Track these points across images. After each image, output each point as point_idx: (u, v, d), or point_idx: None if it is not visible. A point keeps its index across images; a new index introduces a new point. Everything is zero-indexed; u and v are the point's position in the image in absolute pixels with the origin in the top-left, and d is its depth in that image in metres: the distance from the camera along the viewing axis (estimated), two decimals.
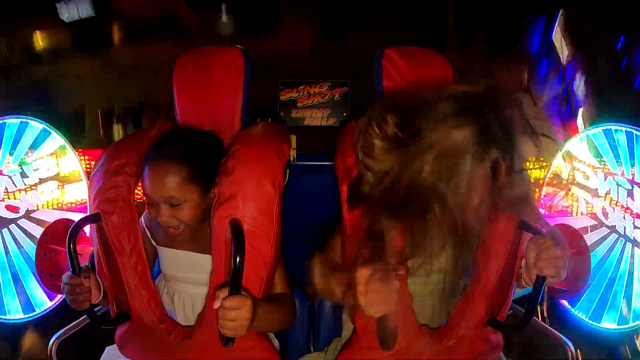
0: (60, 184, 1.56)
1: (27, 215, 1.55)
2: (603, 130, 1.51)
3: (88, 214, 1.15)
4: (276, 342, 1.21)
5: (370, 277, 0.83)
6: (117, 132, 2.91)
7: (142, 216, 1.24)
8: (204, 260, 1.13)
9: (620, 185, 1.48)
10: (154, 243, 1.21)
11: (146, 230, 1.22)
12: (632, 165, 1.48)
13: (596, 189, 1.50)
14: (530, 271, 1.00)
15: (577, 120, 2.53)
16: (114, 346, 1.21)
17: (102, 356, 1.24)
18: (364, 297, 0.83)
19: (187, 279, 1.18)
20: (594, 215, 1.51)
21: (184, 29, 2.76)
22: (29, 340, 1.90)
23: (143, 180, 1.08)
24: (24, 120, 1.55)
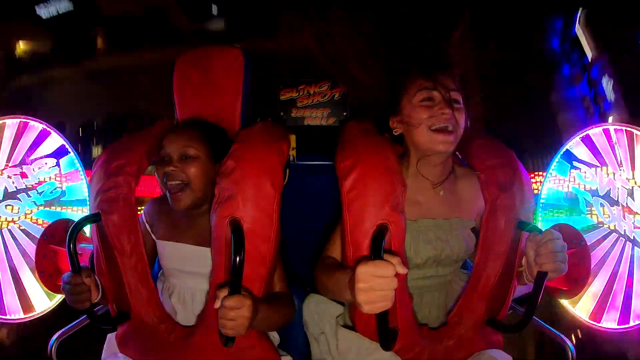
0: (60, 184, 1.57)
1: (27, 215, 1.55)
2: (603, 130, 1.51)
3: (88, 214, 1.15)
4: (277, 337, 1.21)
5: (370, 275, 0.83)
6: (97, 152, 2.78)
7: (143, 213, 1.25)
8: (204, 253, 1.13)
9: (620, 185, 1.48)
10: (154, 237, 1.21)
11: (147, 225, 1.22)
12: (632, 165, 1.48)
13: (596, 189, 1.51)
14: (531, 269, 1.00)
15: (609, 128, 2.11)
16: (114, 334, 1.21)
17: (105, 344, 1.24)
18: (363, 295, 0.84)
19: (187, 272, 1.19)
20: (594, 215, 1.51)
21: (173, 32, 2.68)
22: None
23: (164, 141, 1.16)
24: (24, 120, 1.55)
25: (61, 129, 2.61)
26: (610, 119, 2.45)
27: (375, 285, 0.83)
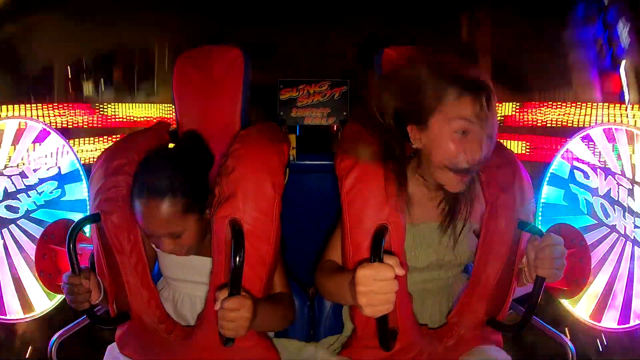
0: (60, 184, 1.56)
1: (27, 215, 1.55)
2: (603, 129, 1.51)
3: (88, 214, 1.15)
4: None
5: (370, 279, 0.82)
6: (87, 88, 2.79)
7: None
8: (204, 263, 1.13)
9: (621, 185, 1.48)
10: (153, 245, 1.21)
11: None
12: (632, 165, 1.48)
13: (596, 189, 1.50)
14: (530, 270, 1.00)
15: (620, 72, 2.20)
16: (115, 344, 1.21)
17: (105, 355, 1.24)
18: (364, 298, 0.83)
19: (187, 281, 1.18)
20: (594, 215, 1.51)
21: None
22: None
23: (136, 215, 1.05)
24: (24, 120, 1.55)
25: (50, 73, 2.54)
26: (623, 63, 2.27)
27: (375, 289, 0.82)
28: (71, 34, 2.67)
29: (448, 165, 1.00)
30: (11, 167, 1.55)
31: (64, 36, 2.65)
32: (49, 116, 1.98)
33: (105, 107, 2.59)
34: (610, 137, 1.50)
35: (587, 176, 1.52)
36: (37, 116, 1.85)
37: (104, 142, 2.36)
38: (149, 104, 2.91)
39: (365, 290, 0.83)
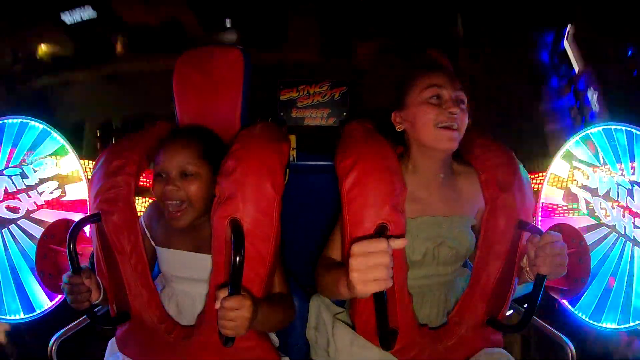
0: (60, 184, 1.56)
1: (27, 215, 1.55)
2: (603, 129, 1.51)
3: (88, 214, 1.15)
4: (276, 340, 1.21)
5: (363, 250, 0.81)
6: None
7: (142, 216, 1.24)
8: (203, 260, 1.13)
9: (620, 185, 1.48)
10: (153, 243, 1.21)
11: (145, 230, 1.22)
12: (632, 165, 1.48)
13: (596, 189, 1.50)
14: (531, 269, 1.00)
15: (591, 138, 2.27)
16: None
17: (108, 347, 1.24)
18: (356, 273, 0.81)
19: (186, 278, 1.18)
20: (594, 215, 1.51)
21: (187, 38, 2.79)
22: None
23: (158, 155, 1.10)
24: (24, 120, 1.55)
25: (80, 129, 2.67)
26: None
27: (369, 262, 0.81)
28: (103, 95, 2.81)
29: (436, 126, 1.09)
30: (11, 167, 1.55)
31: (96, 96, 2.79)
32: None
33: None
34: (610, 137, 1.50)
35: (586, 176, 1.52)
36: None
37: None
38: None
39: (357, 264, 0.81)
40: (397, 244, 0.84)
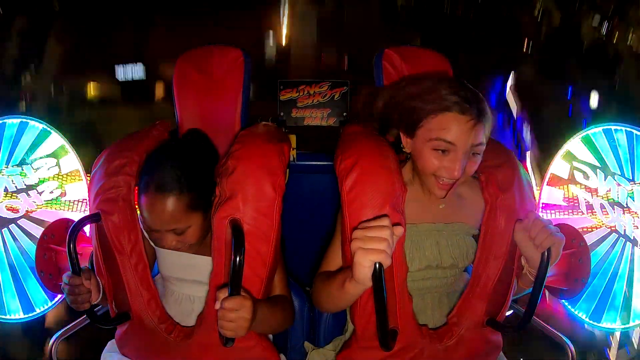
0: (61, 184, 1.56)
1: (27, 215, 1.55)
2: (603, 129, 1.51)
3: (88, 214, 1.15)
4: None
5: (364, 227, 0.85)
6: None
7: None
8: (203, 262, 1.13)
9: (621, 185, 1.48)
10: (152, 244, 1.21)
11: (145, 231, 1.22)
12: (632, 165, 1.48)
13: (596, 189, 1.50)
14: (533, 259, 0.99)
15: (527, 162, 3.38)
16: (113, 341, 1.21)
17: (105, 348, 1.24)
18: (356, 243, 0.84)
19: (186, 280, 1.18)
20: (594, 215, 1.51)
21: None
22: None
23: (141, 210, 1.06)
24: (24, 120, 1.55)
25: None
26: (528, 155, 3.52)
27: (369, 233, 0.84)
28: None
29: (434, 174, 1.04)
30: (11, 167, 1.55)
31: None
32: None
33: None
34: (610, 137, 1.50)
35: (586, 176, 1.52)
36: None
37: None
38: None
39: (358, 234, 0.85)
40: (396, 230, 0.87)
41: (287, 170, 1.10)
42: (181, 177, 1.03)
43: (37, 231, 1.51)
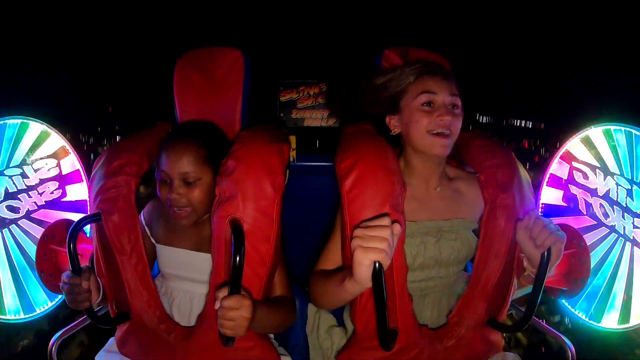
0: (61, 184, 1.56)
1: (28, 215, 1.55)
2: (603, 130, 1.51)
3: (88, 213, 1.15)
4: (274, 342, 1.21)
5: (364, 226, 0.87)
6: None
7: (142, 213, 1.24)
8: (203, 259, 1.13)
9: (620, 185, 1.48)
10: (153, 240, 1.21)
11: (145, 227, 1.22)
12: (632, 165, 1.48)
13: (595, 189, 1.50)
14: (534, 258, 1.00)
15: None
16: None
17: (105, 346, 1.23)
18: (356, 241, 0.85)
19: (185, 277, 1.19)
20: (593, 215, 1.51)
21: None
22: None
23: (160, 158, 1.11)
24: (25, 120, 1.55)
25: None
26: None
27: (369, 232, 0.86)
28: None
29: (428, 132, 1.09)
30: (12, 167, 1.55)
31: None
32: None
33: None
34: (609, 137, 1.50)
35: (586, 177, 1.52)
36: None
37: None
38: None
39: (359, 233, 0.86)
40: (394, 229, 0.88)
41: (287, 171, 1.11)
42: (202, 132, 1.16)
43: (38, 231, 1.51)
